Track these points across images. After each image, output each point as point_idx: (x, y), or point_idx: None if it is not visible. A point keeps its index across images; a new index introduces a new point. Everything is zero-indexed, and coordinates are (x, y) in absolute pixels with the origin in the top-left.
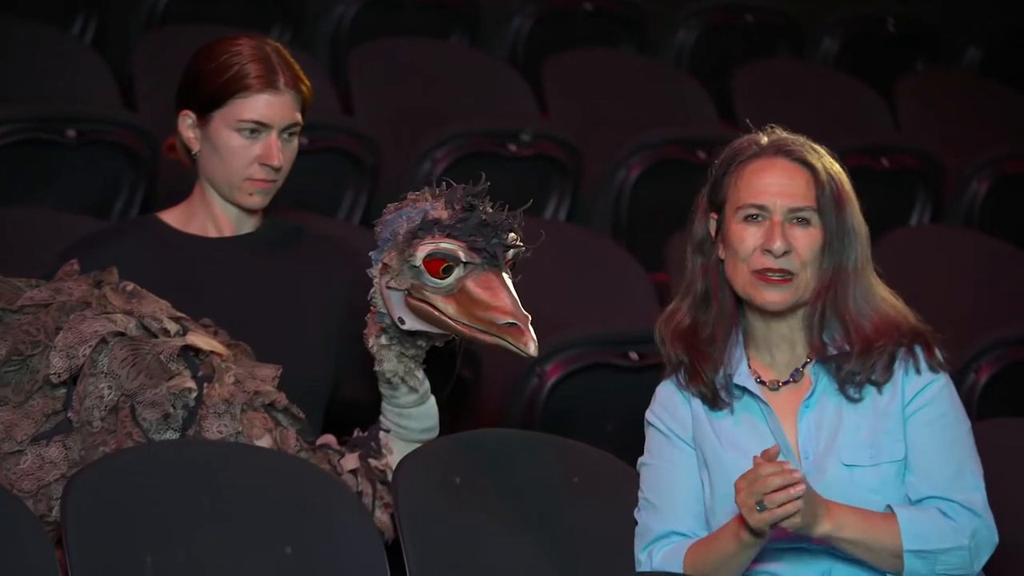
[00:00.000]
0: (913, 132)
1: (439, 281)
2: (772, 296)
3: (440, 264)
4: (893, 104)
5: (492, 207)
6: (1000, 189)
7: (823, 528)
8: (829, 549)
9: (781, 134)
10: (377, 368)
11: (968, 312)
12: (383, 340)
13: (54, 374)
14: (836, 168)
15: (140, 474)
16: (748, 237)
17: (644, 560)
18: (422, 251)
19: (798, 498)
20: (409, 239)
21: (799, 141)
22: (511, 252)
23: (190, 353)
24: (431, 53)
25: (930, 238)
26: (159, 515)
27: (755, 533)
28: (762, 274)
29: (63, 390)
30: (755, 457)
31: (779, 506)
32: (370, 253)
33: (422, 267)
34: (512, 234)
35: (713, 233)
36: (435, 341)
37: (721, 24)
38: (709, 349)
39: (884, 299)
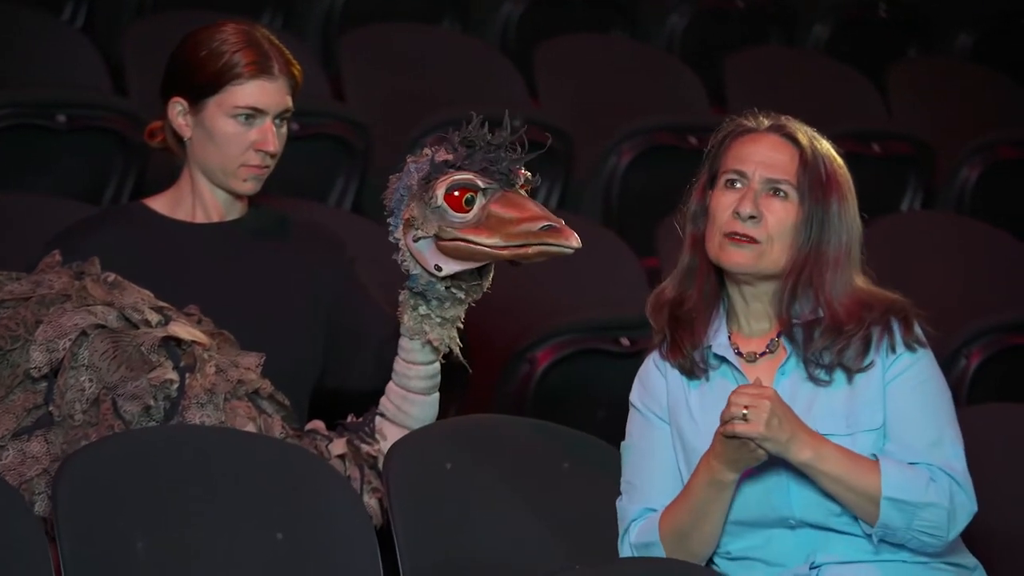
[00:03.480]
0: (904, 118)
1: (464, 216)
2: (736, 256)
3: (462, 196)
4: (884, 90)
5: (491, 136)
6: (991, 175)
7: (804, 454)
8: (816, 531)
9: (783, 118)
10: (416, 343)
11: (959, 298)
12: (421, 311)
13: (34, 368)
14: (832, 156)
15: (131, 460)
16: (724, 202)
17: (622, 542)
18: (441, 188)
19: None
20: (424, 185)
21: (798, 123)
22: (523, 179)
23: (171, 343)
24: (422, 39)
25: (921, 224)
26: (150, 501)
27: (736, 469)
28: (730, 236)
29: (44, 384)
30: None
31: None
32: (388, 220)
33: (445, 205)
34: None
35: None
36: (471, 296)
37: (712, 10)
38: (690, 321)
39: (861, 288)
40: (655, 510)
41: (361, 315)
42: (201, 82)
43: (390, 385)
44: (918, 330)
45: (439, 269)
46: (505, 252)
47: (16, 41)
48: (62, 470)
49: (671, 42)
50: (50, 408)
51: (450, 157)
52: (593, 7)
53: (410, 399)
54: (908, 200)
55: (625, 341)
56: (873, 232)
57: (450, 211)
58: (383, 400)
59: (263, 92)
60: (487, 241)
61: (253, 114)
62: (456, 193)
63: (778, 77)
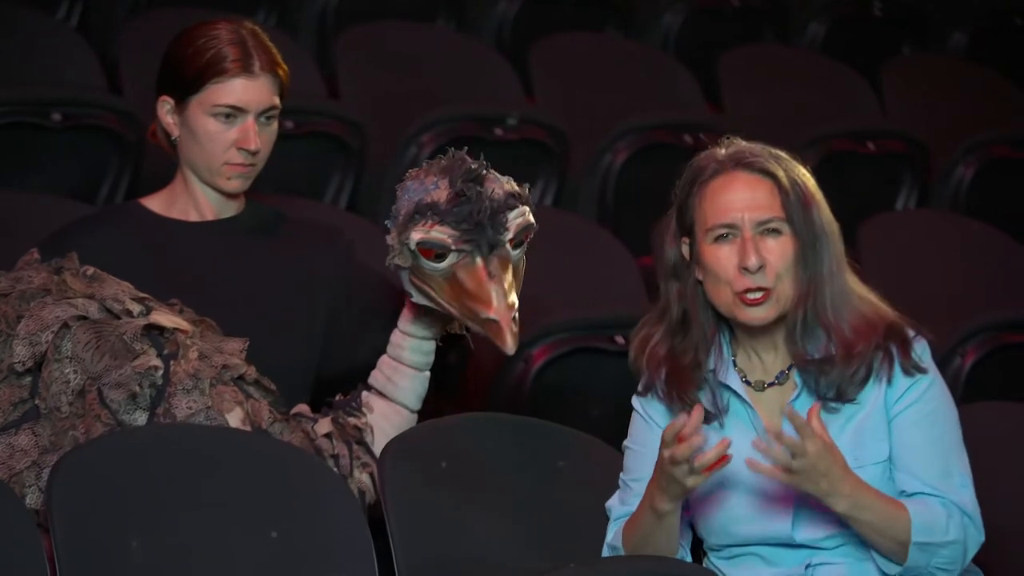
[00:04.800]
0: (899, 116)
1: (435, 265)
2: (756, 315)
3: (432, 252)
4: (879, 88)
5: (495, 183)
6: (986, 174)
7: (843, 504)
8: (811, 542)
9: (739, 144)
10: (413, 323)
11: (954, 296)
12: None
13: (18, 362)
14: (799, 171)
15: (126, 459)
16: (723, 257)
17: (605, 542)
18: (415, 237)
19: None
20: (406, 222)
21: (757, 150)
22: (512, 234)
23: (154, 332)
24: (417, 37)
25: (916, 222)
26: (145, 500)
27: (670, 499)
28: (744, 295)
29: (28, 378)
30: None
31: (711, 463)
32: (386, 221)
33: (417, 252)
34: (521, 207)
35: (687, 256)
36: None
37: (707, 8)
38: (694, 373)
39: (861, 298)
40: None
41: (365, 299)
42: (184, 81)
43: (383, 357)
44: (918, 351)
45: (409, 296)
46: (458, 315)
47: (11, 39)
48: (57, 468)
49: (666, 40)
50: (36, 401)
51: (441, 200)
52: (588, 5)
53: (400, 371)
54: (903, 198)
55: (620, 339)
56: (867, 231)
57: (422, 257)
58: (373, 372)
59: (243, 90)
60: (447, 297)
61: (233, 113)
62: (427, 248)
63: (773, 75)
